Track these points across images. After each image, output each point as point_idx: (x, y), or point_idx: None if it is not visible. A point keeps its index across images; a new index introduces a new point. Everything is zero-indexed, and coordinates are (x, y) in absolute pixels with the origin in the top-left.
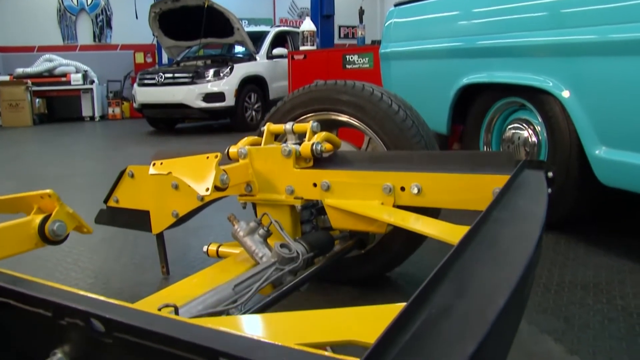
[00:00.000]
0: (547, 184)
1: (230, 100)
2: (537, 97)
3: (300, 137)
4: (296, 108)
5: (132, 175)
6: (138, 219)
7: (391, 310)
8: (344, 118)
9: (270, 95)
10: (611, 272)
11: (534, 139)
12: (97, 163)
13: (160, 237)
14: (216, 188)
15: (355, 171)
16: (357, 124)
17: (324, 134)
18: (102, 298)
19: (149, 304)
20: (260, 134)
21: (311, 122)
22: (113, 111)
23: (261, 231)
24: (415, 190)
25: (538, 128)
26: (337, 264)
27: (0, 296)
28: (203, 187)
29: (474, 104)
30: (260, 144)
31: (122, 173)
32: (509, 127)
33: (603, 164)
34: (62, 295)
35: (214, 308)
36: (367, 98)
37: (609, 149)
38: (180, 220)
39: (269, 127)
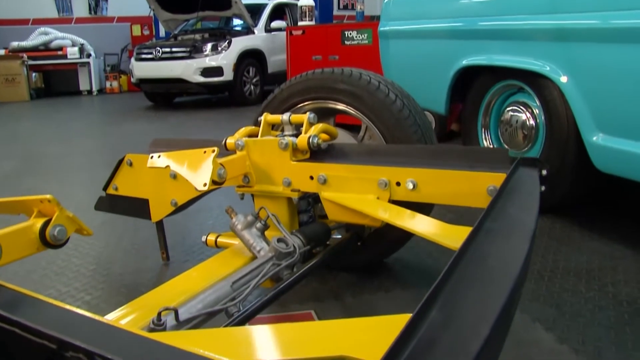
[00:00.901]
0: (540, 182)
1: (228, 75)
2: (536, 81)
3: (298, 127)
4: (293, 96)
5: (131, 164)
6: (137, 207)
7: (383, 324)
8: (341, 107)
9: (268, 69)
10: (604, 258)
11: (532, 122)
12: (95, 141)
13: (159, 224)
14: (214, 182)
15: (352, 165)
16: (354, 112)
17: (320, 125)
18: (107, 322)
19: (150, 300)
20: (258, 124)
21: (308, 113)
22: (111, 85)
23: (258, 225)
24: (411, 186)
25: (536, 111)
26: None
27: (6, 323)
28: (201, 181)
29: (473, 85)
30: (257, 134)
31: (120, 161)
32: (507, 109)
33: (599, 150)
34: (68, 322)
35: (213, 307)
36: (364, 87)
37: (605, 136)
38: (180, 208)
39: (266, 118)
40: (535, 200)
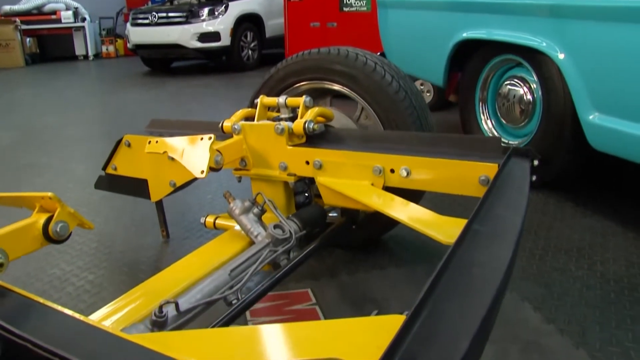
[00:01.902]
0: (531, 172)
1: (225, 40)
2: (534, 57)
3: (294, 109)
4: (289, 76)
5: (129, 145)
6: (137, 187)
7: (375, 325)
8: (337, 87)
9: (266, 33)
10: (595, 235)
11: (529, 97)
12: (92, 110)
13: (159, 202)
14: (211, 169)
15: (347, 151)
16: (350, 93)
17: (316, 109)
18: (122, 336)
19: (151, 287)
20: (254, 106)
21: (304, 97)
22: (107, 49)
23: (255, 210)
24: (405, 173)
25: (534, 86)
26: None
27: (19, 339)
28: (198, 169)
29: (471, 59)
30: (254, 116)
31: (118, 142)
32: (505, 83)
33: (595, 129)
34: (80, 335)
35: (212, 296)
36: (360, 69)
37: (601, 115)
38: (179, 188)
39: (262, 100)
40: (523, 198)
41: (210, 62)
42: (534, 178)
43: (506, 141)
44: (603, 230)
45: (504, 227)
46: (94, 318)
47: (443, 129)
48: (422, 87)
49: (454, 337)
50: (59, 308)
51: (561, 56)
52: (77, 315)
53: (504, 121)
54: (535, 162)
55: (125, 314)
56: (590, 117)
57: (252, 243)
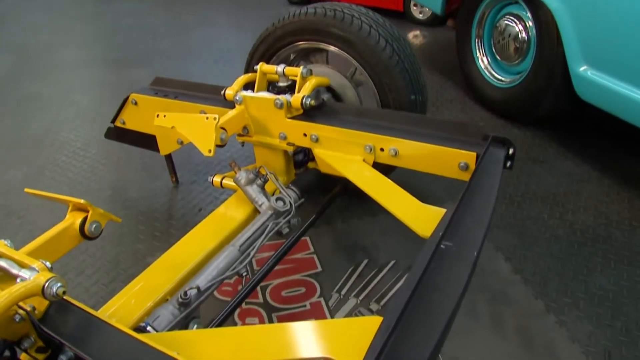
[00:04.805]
0: (508, 159)
1: None
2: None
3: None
4: (287, 36)
5: (136, 103)
6: (145, 140)
7: (357, 325)
8: (333, 49)
9: None
10: (572, 182)
11: (524, 35)
12: (87, 26)
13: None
14: (217, 146)
15: (342, 129)
16: (345, 55)
17: (314, 81)
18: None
19: (171, 261)
20: (250, 69)
21: (301, 68)
22: None
23: (259, 181)
24: (393, 153)
25: (529, 24)
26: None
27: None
28: (206, 147)
29: None
30: (254, 83)
31: (125, 100)
32: (502, 19)
33: (583, 81)
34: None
35: (225, 273)
36: (355, 33)
37: (590, 69)
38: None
39: (261, 68)
40: (490, 204)
41: None
42: (509, 164)
43: (502, 78)
44: (581, 176)
45: (465, 243)
46: (125, 290)
47: (438, 48)
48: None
49: (424, 335)
50: (113, 323)
51: (555, 4)
52: (128, 331)
53: (499, 58)
54: (511, 151)
55: (153, 289)
56: (580, 69)
57: (256, 209)
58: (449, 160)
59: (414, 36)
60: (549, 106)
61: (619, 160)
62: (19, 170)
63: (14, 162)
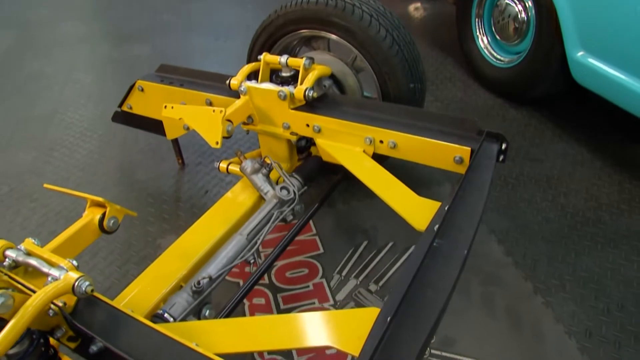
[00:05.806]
0: (500, 153)
1: None
2: None
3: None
4: (289, 24)
5: (142, 90)
6: (152, 124)
7: (356, 316)
8: (334, 37)
9: None
10: (566, 163)
11: (524, 15)
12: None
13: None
14: (224, 137)
15: (343, 121)
16: (346, 44)
17: (316, 72)
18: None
19: (182, 249)
20: (252, 58)
21: (304, 59)
22: None
23: (264, 170)
24: (392, 145)
25: (529, 4)
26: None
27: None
28: (213, 140)
29: None
30: (258, 72)
31: (131, 87)
32: None
33: (580, 66)
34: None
35: (234, 261)
36: (356, 23)
37: (587, 54)
38: None
39: (265, 58)
40: (482, 200)
41: None
42: (501, 158)
43: (501, 58)
44: (574, 158)
45: (456, 244)
46: (141, 278)
47: (439, 22)
48: None
49: (417, 326)
50: (135, 316)
51: None
52: (150, 324)
53: (498, 37)
54: (504, 146)
55: (167, 277)
56: (577, 54)
57: (261, 197)
58: (445, 154)
59: (415, 9)
60: (546, 88)
61: (613, 143)
62: (29, 153)
63: (23, 144)
